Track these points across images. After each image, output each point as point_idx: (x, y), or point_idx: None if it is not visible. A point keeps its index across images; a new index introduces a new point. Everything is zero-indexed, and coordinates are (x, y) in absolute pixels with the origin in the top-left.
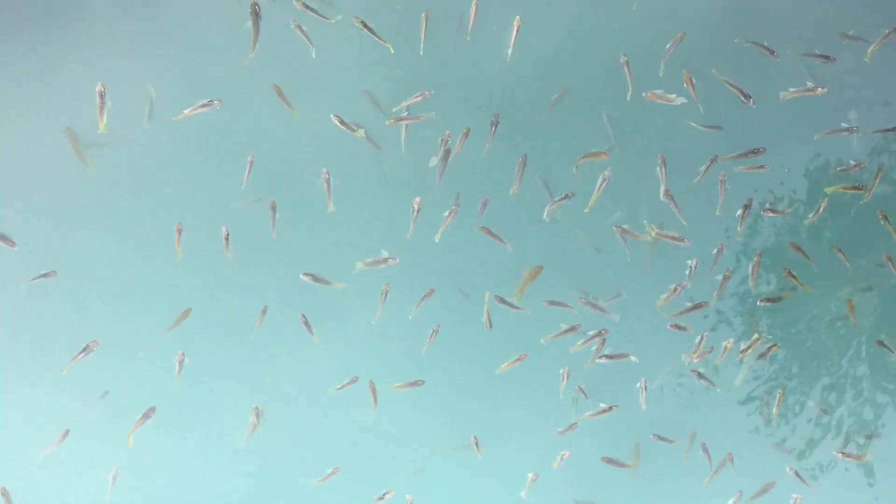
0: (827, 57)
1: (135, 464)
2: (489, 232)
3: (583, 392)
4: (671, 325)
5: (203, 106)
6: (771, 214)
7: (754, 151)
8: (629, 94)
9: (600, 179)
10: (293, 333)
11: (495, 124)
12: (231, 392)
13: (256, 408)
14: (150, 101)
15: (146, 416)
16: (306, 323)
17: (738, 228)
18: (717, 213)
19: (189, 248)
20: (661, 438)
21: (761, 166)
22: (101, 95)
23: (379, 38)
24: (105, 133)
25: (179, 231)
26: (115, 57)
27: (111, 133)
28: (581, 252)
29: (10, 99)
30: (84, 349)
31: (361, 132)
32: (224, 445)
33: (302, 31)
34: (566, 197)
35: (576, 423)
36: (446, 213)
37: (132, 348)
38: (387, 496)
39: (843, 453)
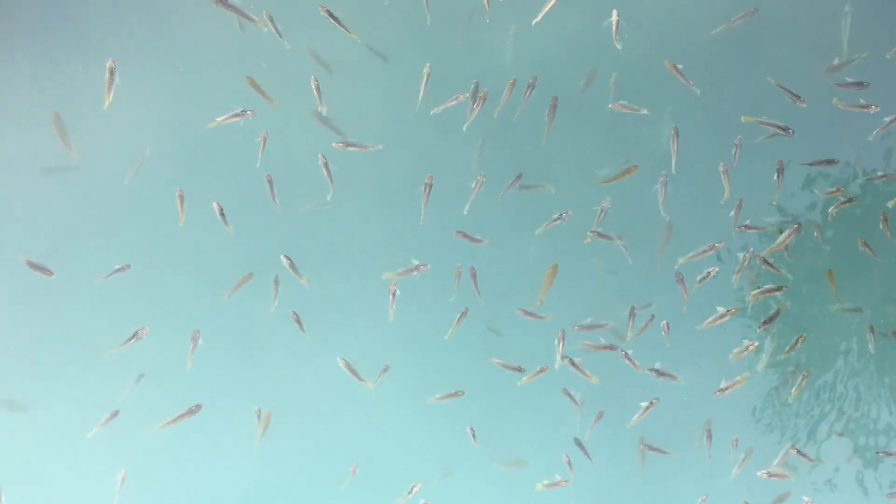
0: (861, 83)
1: (143, 466)
2: (465, 235)
3: (569, 395)
4: (664, 324)
5: (236, 115)
6: (745, 230)
7: (828, 161)
8: (619, 46)
9: (599, 210)
10: (300, 335)
11: (531, 87)
12: (240, 393)
13: (258, 410)
14: (141, 160)
15: (191, 411)
16: (298, 321)
17: (776, 195)
18: (722, 202)
19: (194, 251)
20: (653, 449)
21: (851, 199)
22: (112, 72)
23: (346, 29)
24: (108, 110)
25: (181, 197)
26: (120, 63)
27: (114, 136)
28: (583, 258)
29: (13, 103)
30: (133, 335)
31: (324, 108)
32: (232, 447)
33: (273, 22)
34: (560, 217)
35: (601, 413)
36: (473, 184)
37: (135, 349)
38: (414, 489)
39: (797, 450)
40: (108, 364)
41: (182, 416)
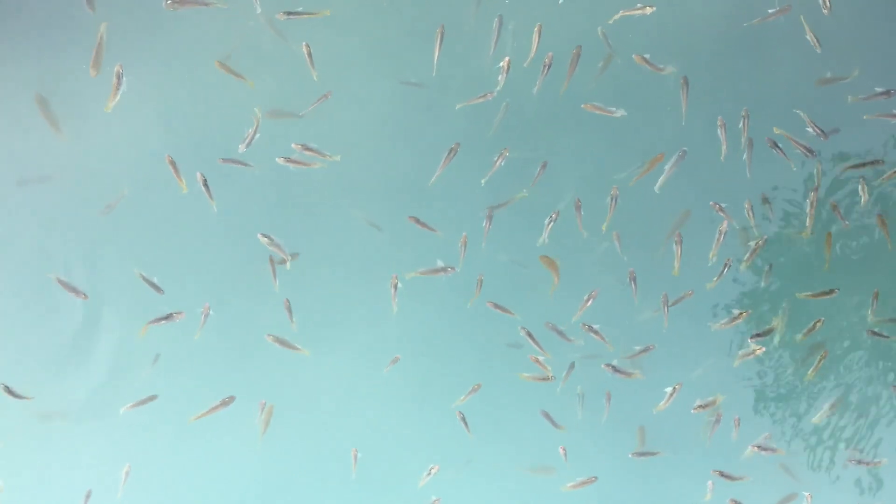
0: (888, 92)
1: (144, 464)
2: (418, 221)
3: (548, 418)
4: (663, 297)
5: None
6: (718, 211)
7: (874, 162)
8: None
9: (609, 199)
10: (304, 332)
11: (548, 66)
12: (244, 389)
13: (264, 403)
14: (120, 196)
15: (224, 403)
16: (289, 308)
17: (791, 163)
18: (722, 160)
19: (194, 250)
20: (642, 455)
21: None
22: (119, 77)
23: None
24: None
25: (172, 164)
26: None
27: (116, 136)
28: (586, 253)
29: (14, 104)
30: (167, 316)
31: (315, 74)
32: (233, 446)
33: None
34: (552, 220)
35: (609, 393)
36: (496, 158)
37: (136, 347)
38: (433, 471)
39: (758, 447)
40: (108, 362)
41: (216, 407)
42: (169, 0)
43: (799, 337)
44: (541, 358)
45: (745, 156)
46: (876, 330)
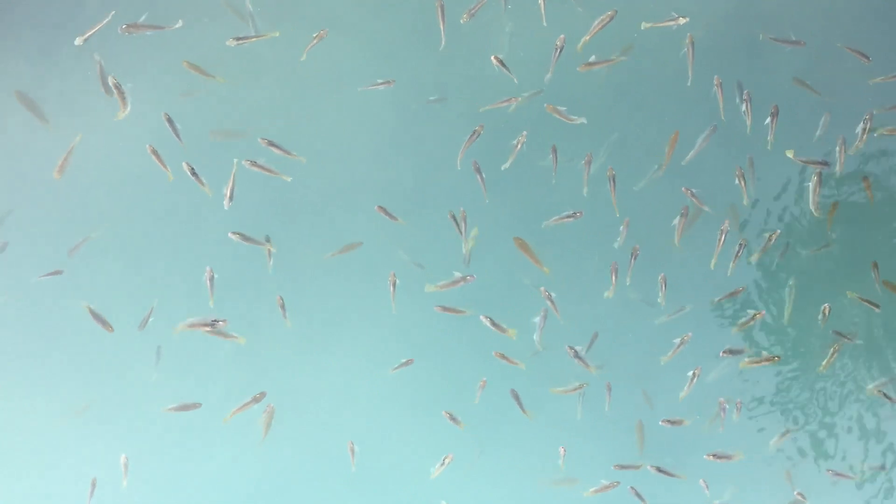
0: None
1: (147, 460)
2: (385, 211)
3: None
4: (661, 278)
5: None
6: (691, 197)
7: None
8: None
9: (609, 180)
10: (304, 330)
11: (560, 49)
12: (241, 392)
13: (271, 406)
14: (85, 239)
15: (255, 399)
16: (282, 306)
17: (769, 138)
18: (721, 118)
19: (193, 251)
20: (623, 467)
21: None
22: (118, 87)
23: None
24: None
25: (155, 153)
26: (118, 65)
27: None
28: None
29: (12, 106)
30: (211, 323)
31: (303, 58)
32: (233, 446)
33: None
34: (573, 215)
35: (609, 384)
36: (515, 142)
37: (134, 346)
38: (447, 461)
39: (714, 455)
40: (107, 359)
41: (247, 404)
42: (123, 25)
43: (820, 322)
44: (506, 354)
45: (744, 111)
46: (842, 332)
